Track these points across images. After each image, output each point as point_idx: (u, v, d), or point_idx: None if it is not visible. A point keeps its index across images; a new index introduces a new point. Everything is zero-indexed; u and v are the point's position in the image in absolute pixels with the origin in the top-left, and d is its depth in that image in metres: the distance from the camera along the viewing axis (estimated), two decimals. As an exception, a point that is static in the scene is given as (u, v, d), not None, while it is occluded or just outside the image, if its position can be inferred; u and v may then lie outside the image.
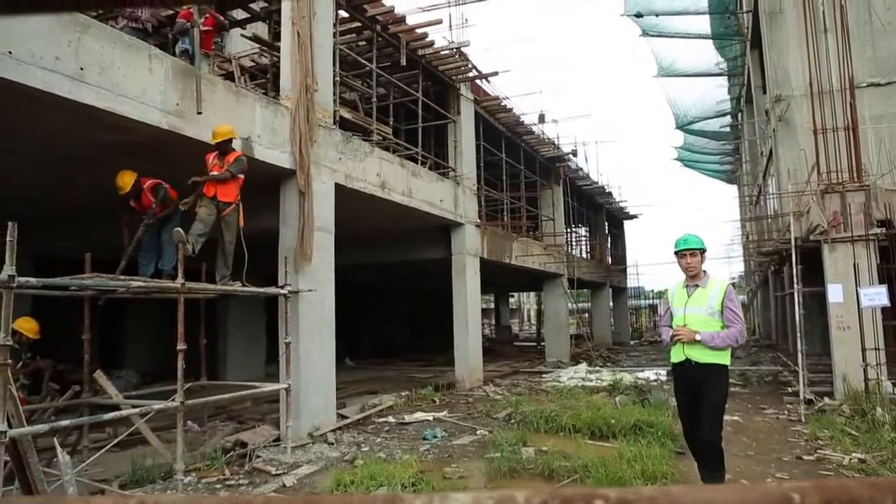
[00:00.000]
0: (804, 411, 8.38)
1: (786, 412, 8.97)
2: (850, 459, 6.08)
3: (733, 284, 4.54)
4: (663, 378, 13.12)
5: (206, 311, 14.12)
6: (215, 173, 6.11)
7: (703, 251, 4.40)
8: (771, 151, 16.15)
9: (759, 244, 14.85)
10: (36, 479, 4.47)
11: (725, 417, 8.67)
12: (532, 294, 49.51)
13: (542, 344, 26.91)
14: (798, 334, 9.37)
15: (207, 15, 6.66)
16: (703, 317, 4.30)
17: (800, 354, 9.20)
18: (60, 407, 5.94)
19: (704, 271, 4.43)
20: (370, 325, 20.96)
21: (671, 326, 4.46)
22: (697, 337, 4.21)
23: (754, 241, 16.52)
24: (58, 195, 8.59)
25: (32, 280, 4.49)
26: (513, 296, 46.10)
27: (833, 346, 9.50)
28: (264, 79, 9.74)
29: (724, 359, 4.33)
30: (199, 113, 6.11)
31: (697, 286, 4.39)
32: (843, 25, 10.74)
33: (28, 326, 5.64)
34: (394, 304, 22.79)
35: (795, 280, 9.68)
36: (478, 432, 7.64)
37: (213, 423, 8.44)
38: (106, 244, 7.47)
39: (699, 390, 4.31)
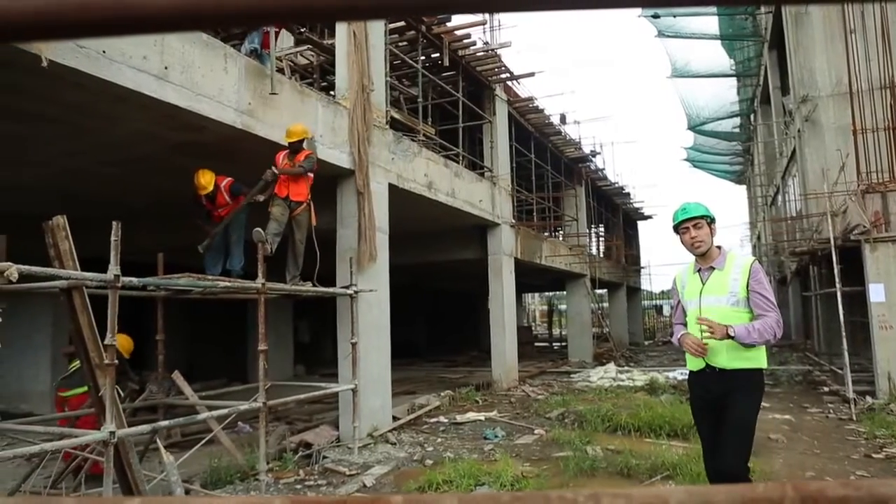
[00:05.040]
0: (855, 410, 8.42)
1: (831, 411, 9.01)
2: (919, 457, 6.12)
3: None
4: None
5: (235, 312, 14.03)
6: (287, 168, 6.13)
7: (710, 220, 3.35)
8: (793, 152, 16.23)
9: (789, 245, 14.89)
10: (137, 479, 4.46)
11: (776, 416, 8.81)
12: (537, 295, 49.55)
13: (556, 344, 26.98)
14: (843, 335, 9.40)
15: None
16: (725, 308, 3.23)
17: (845, 354, 9.23)
18: (137, 407, 5.92)
19: (719, 247, 3.38)
20: (393, 326, 20.95)
21: (684, 324, 3.47)
22: (731, 333, 3.07)
23: (784, 241, 16.54)
24: (111, 196, 8.54)
25: (134, 280, 4.48)
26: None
27: (875, 346, 9.53)
28: (310, 79, 9.73)
29: (758, 361, 3.26)
30: (274, 93, 6.14)
31: (713, 269, 3.34)
32: (883, 26, 10.79)
33: (124, 345, 5.52)
34: (414, 305, 22.77)
35: (836, 280, 9.71)
36: (535, 431, 7.64)
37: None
38: (147, 247, 7.45)
39: (724, 406, 3.23)
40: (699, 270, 3.41)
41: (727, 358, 3.21)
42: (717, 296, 3.28)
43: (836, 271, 9.67)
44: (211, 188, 6.08)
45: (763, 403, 9.96)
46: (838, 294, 9.62)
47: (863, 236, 9.72)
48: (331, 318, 17.58)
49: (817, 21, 14.23)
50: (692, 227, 3.32)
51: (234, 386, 11.25)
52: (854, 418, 8.19)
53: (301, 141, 6.23)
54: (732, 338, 3.09)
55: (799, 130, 14.74)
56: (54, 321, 10.22)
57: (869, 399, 9.17)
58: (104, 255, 5.21)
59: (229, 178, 6.30)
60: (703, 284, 3.35)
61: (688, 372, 3.52)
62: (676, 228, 3.40)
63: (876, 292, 9.65)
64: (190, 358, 14.91)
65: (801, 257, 13.96)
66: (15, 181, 7.53)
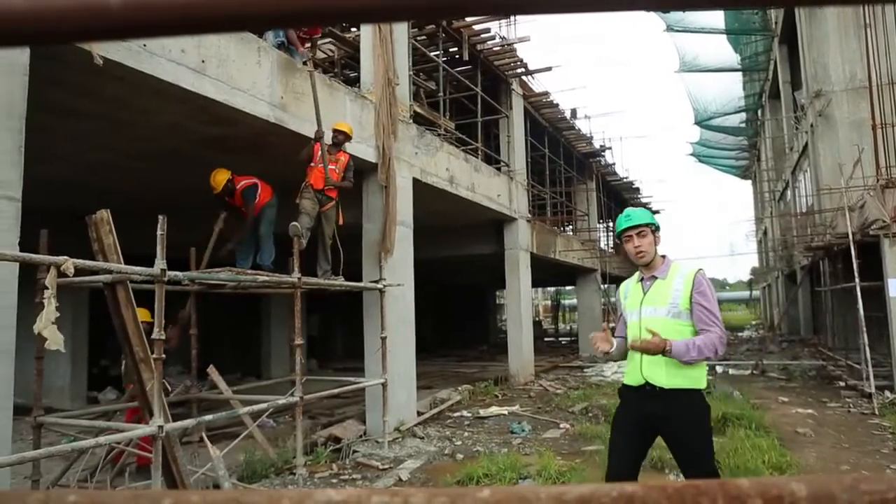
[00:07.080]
0: (877, 404, 8.45)
1: (851, 405, 9.02)
2: (948, 451, 6.14)
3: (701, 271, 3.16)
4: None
5: (248, 308, 14.01)
6: (338, 182, 6.19)
7: (654, 228, 3.20)
8: (805, 147, 16.22)
9: (800, 240, 14.88)
10: (183, 472, 4.47)
11: (799, 410, 8.83)
12: (540, 290, 49.62)
13: (563, 339, 27.00)
14: (862, 330, 9.41)
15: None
16: (665, 320, 3.01)
17: (865, 349, 9.25)
18: (172, 401, 5.92)
19: (663, 257, 3.22)
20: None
21: (625, 338, 3.21)
22: (668, 348, 2.82)
23: (794, 236, 16.53)
24: (139, 192, 8.53)
25: (179, 274, 4.47)
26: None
27: (893, 341, 9.53)
28: (331, 72, 9.70)
29: (698, 381, 3.02)
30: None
31: (655, 278, 3.16)
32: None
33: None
34: (424, 299, 22.81)
35: (856, 275, 9.72)
36: (561, 426, 7.66)
37: (285, 419, 8.44)
38: (175, 242, 7.44)
39: (662, 430, 3.05)
40: (642, 280, 3.23)
41: (666, 375, 2.96)
42: (656, 306, 3.07)
43: (854, 266, 9.68)
44: (220, 189, 6.07)
45: (781, 398, 9.93)
46: (857, 289, 9.63)
47: (882, 231, 9.71)
48: (340, 313, 17.63)
49: (831, 16, 14.20)
50: (636, 235, 3.15)
51: (247, 381, 11.28)
52: (876, 412, 8.21)
53: (348, 137, 6.27)
54: (668, 353, 2.82)
55: (812, 125, 14.73)
56: (73, 317, 10.21)
57: (888, 394, 9.19)
58: (130, 250, 5.19)
59: (246, 181, 6.23)
60: (644, 294, 3.15)
61: (622, 385, 3.25)
62: (620, 236, 3.24)
63: (895, 287, 9.64)
64: (203, 353, 14.91)
65: (815, 252, 13.98)
66: (48, 176, 7.51)
